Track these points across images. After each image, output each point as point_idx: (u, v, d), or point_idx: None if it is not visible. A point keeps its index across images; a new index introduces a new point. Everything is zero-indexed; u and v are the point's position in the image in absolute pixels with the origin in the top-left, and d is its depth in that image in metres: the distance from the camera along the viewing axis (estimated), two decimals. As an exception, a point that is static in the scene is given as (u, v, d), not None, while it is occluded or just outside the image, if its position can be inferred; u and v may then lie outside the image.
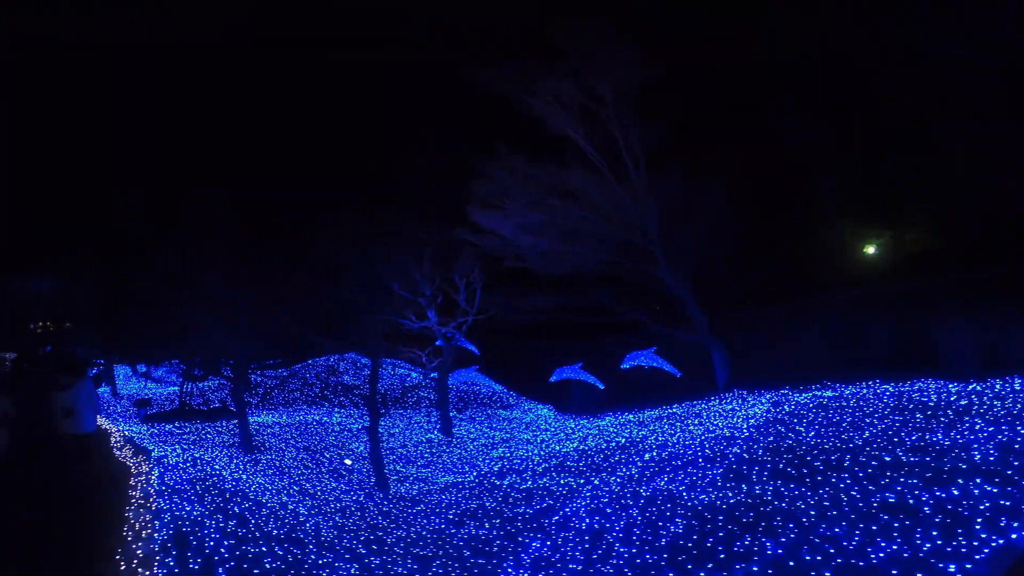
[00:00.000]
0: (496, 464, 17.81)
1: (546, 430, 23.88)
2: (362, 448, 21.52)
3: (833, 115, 27.71)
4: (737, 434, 14.32)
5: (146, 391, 30.56)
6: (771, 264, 29.94)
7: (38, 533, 8.06)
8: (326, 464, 19.19)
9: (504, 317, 24.84)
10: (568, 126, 23.36)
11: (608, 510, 10.73)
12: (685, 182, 22.84)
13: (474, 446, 21.75)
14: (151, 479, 12.46)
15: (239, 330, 19.59)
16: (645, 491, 11.36)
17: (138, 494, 11.19)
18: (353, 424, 24.80)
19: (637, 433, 18.75)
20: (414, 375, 31.03)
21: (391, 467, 19.06)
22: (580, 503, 11.56)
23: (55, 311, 44.58)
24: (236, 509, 11.48)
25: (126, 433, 20.25)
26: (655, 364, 26.08)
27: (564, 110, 23.27)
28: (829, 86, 26.60)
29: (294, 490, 15.40)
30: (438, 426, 24.73)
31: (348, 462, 19.45)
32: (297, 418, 25.63)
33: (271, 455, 19.54)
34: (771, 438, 13.33)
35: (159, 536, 8.57)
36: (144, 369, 31.70)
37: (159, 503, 10.60)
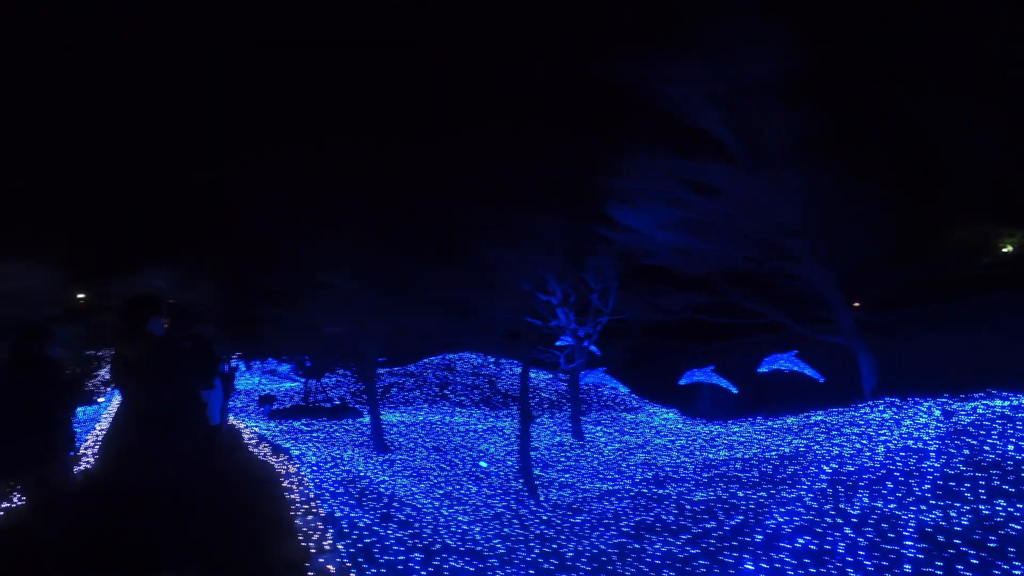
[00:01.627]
0: (647, 471, 16.67)
1: (681, 435, 22.59)
2: (493, 450, 20.67)
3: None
4: (920, 446, 12.90)
5: (262, 387, 30.48)
6: (915, 263, 28.02)
7: (213, 543, 7.22)
8: (460, 466, 18.37)
9: (634, 317, 23.59)
10: (706, 117, 22.01)
11: (817, 529, 9.50)
12: (835, 175, 21.18)
13: (609, 451, 20.65)
14: (303, 480, 11.76)
15: (370, 328, 18.94)
16: (851, 509, 10.10)
17: (297, 497, 10.45)
18: (479, 424, 24.01)
19: (792, 442, 17.39)
20: (533, 374, 30.16)
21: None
22: (777, 520, 10.33)
23: (181, 307, 45.51)
24: (401, 516, 10.66)
25: (255, 429, 19.87)
26: (795, 368, 24.53)
27: (702, 100, 21.94)
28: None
29: (439, 494, 14.59)
30: (566, 429, 23.68)
31: (483, 464, 18.59)
32: (419, 417, 25.00)
33: (403, 455, 18.86)
34: (966, 451, 11.89)
35: (343, 548, 7.71)
36: (272, 365, 31.67)
37: (323, 508, 9.83)
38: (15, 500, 11.66)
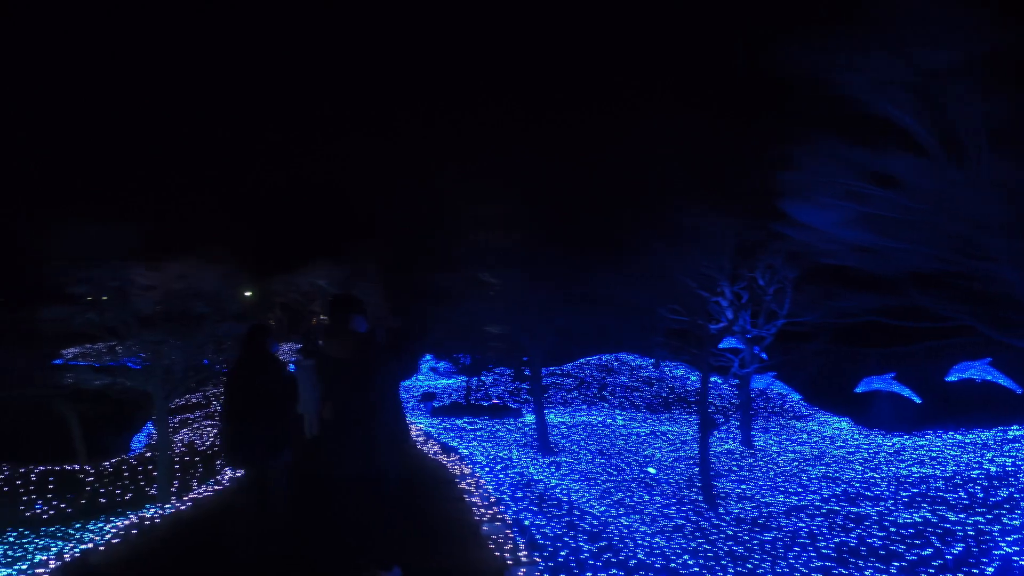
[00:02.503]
0: (832, 486, 15.51)
1: (859, 447, 21.12)
2: (659, 455, 19.92)
3: None
4: None
5: (422, 384, 30.78)
6: None
7: (407, 545, 6.90)
8: (627, 471, 17.73)
9: (814, 320, 22.11)
10: (892, 105, 20.37)
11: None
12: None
13: (784, 461, 19.47)
14: (480, 482, 11.42)
15: (536, 327, 18.56)
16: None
17: (478, 501, 10.10)
18: (640, 428, 23.27)
19: (993, 458, 15.84)
20: (693, 378, 29.08)
21: (695, 479, 17.30)
22: (1006, 551, 9.19)
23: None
24: (584, 525, 10.15)
25: (420, 427, 19.89)
26: (989, 377, 22.51)
27: (887, 87, 20.33)
28: None
29: (612, 501, 14.01)
30: (733, 436, 22.59)
31: (651, 471, 17.88)
32: (579, 418, 24.48)
33: (568, 458, 18.40)
34: None
35: (541, 561, 7.25)
36: (432, 363, 32.00)
37: (507, 514, 9.42)
38: (224, 482, 11.95)
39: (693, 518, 13.17)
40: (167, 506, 10.69)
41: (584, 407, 26.97)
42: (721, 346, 24.06)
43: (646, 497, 15.05)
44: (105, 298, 13.30)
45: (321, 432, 6.36)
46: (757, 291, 22.21)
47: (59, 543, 14.43)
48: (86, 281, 13.01)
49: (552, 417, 24.05)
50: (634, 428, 23.29)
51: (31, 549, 14.16)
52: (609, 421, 24.23)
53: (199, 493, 11.22)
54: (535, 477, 13.93)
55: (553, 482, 14.25)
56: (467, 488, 10.93)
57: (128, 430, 24.63)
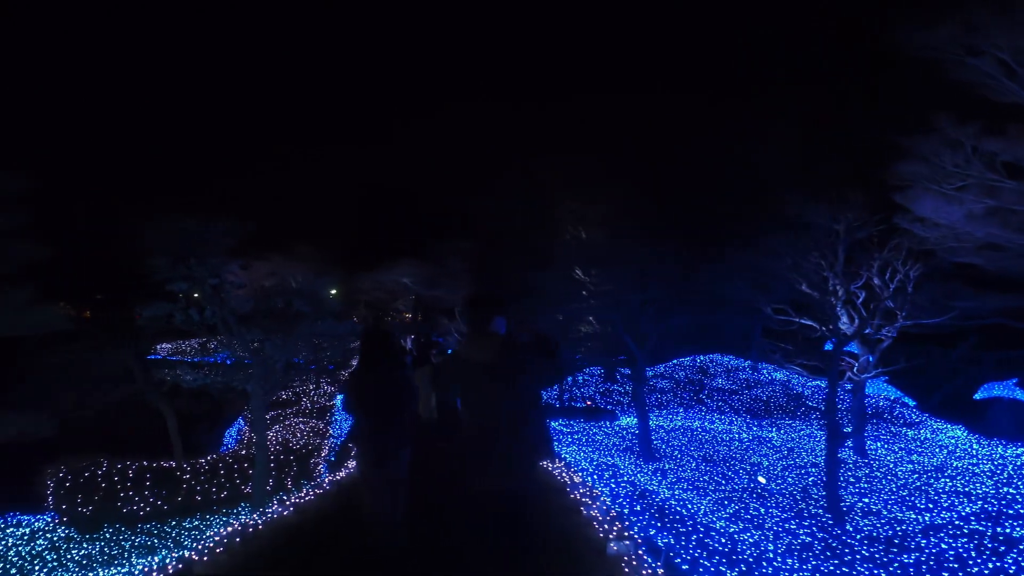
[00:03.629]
0: (967, 503, 14.24)
1: (981, 458, 19.67)
2: (766, 463, 18.82)
3: None
4: None
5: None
6: None
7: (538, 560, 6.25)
8: (735, 480, 16.74)
9: (940, 322, 20.57)
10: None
11: None
12: None
13: (903, 472, 18.17)
14: (595, 492, 10.66)
15: (643, 326, 17.71)
16: None
17: (596, 514, 9.33)
18: (742, 433, 22.17)
19: None
20: (793, 380, 27.78)
21: (809, 490, 16.21)
22: None
23: (421, 300, 46.69)
24: (710, 542, 9.30)
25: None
26: None
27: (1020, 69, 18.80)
28: None
29: (727, 512, 13.08)
30: (846, 444, 21.28)
31: (762, 480, 16.84)
32: (676, 422, 23.52)
33: (672, 464, 17.50)
34: None
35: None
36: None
37: (630, 529, 8.63)
38: (324, 484, 11.51)
39: (819, 535, 12.15)
40: (269, 511, 10.21)
41: (680, 410, 25.97)
42: (827, 348, 22.78)
43: (762, 510, 14.06)
44: (204, 295, 12.95)
45: (460, 442, 5.73)
46: (874, 291, 20.82)
47: (155, 541, 14.24)
48: (186, 278, 12.69)
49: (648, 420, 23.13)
50: (735, 433, 22.21)
51: (127, 547, 13.98)
52: (709, 426, 23.19)
53: (300, 497, 10.73)
54: (646, 486, 13.12)
55: (665, 492, 13.40)
56: (582, 499, 10.18)
57: (219, 426, 24.68)
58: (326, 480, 12.39)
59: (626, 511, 9.70)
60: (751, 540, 10.63)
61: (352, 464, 14.49)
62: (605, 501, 10.11)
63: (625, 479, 13.18)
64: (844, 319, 20.80)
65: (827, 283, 20.66)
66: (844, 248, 19.87)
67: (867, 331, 20.63)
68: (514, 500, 5.90)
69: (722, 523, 11.63)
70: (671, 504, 11.61)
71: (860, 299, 20.71)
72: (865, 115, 21.16)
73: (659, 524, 9.32)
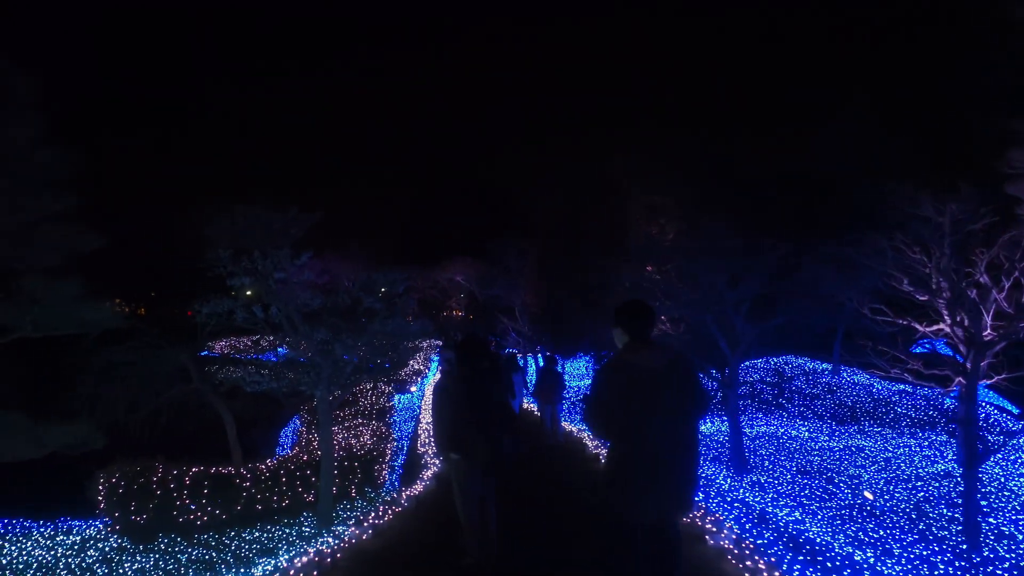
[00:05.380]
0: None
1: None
2: (865, 476, 17.29)
3: None
4: None
5: (573, 386, 28.86)
6: None
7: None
8: (839, 495, 15.28)
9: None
10: None
11: None
12: None
13: (1020, 488, 16.50)
14: (716, 516, 9.32)
15: (736, 325, 16.30)
16: None
17: (727, 544, 8.02)
18: (831, 442, 20.62)
19: None
20: (878, 385, 26.09)
21: (923, 507, 14.71)
22: None
23: (477, 299, 45.82)
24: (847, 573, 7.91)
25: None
26: None
27: None
28: None
29: (850, 537, 11.68)
30: (943, 454, 19.67)
31: (868, 495, 15.35)
32: (758, 428, 22.05)
33: (767, 476, 16.09)
34: None
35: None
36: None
37: (754, 557, 7.32)
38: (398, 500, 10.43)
39: (959, 563, 10.67)
40: (344, 532, 9.08)
41: (760, 415, 24.44)
42: (915, 350, 21.13)
43: (881, 532, 12.62)
44: (268, 291, 11.90)
45: (611, 466, 5.16)
46: (984, 289, 19.08)
47: (213, 554, 13.27)
48: (249, 273, 11.65)
49: (727, 427, 21.69)
50: (823, 441, 20.66)
51: (183, 560, 13.02)
52: (794, 433, 21.66)
53: (377, 517, 9.58)
54: (751, 501, 11.76)
55: (770, 509, 12.01)
56: (698, 521, 8.86)
57: (275, 428, 23.83)
58: (402, 495, 11.24)
59: (749, 537, 8.36)
60: (888, 573, 9.21)
61: (428, 475, 13.43)
62: (717, 519, 8.81)
63: (727, 495, 11.81)
64: (951, 319, 19.14)
65: (930, 280, 19.05)
66: (950, 243, 18.23)
67: (985, 333, 18.90)
68: (668, 533, 5.32)
69: (848, 549, 10.22)
70: (791, 526, 10.23)
71: (967, 298, 19.03)
72: (973, 97, 19.47)
73: (781, 549, 7.95)
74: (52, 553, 13.60)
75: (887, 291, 19.08)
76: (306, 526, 14.16)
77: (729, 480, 14.33)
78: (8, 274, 8.33)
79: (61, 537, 14.60)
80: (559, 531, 8.78)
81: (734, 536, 8.11)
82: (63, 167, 8.12)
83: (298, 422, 22.44)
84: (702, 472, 14.69)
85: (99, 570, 12.73)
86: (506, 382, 7.40)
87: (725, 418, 19.42)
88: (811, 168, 20.24)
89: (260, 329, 12.71)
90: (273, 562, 8.62)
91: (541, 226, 31.54)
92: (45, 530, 15.08)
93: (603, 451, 16.08)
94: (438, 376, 34.72)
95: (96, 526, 15.03)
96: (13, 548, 13.88)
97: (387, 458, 17.25)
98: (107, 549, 13.82)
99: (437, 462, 13.94)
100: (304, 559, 7.58)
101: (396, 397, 27.24)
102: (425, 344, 39.48)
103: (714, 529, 8.40)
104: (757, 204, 18.48)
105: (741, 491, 13.00)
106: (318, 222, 12.83)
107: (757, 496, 13.17)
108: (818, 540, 9.28)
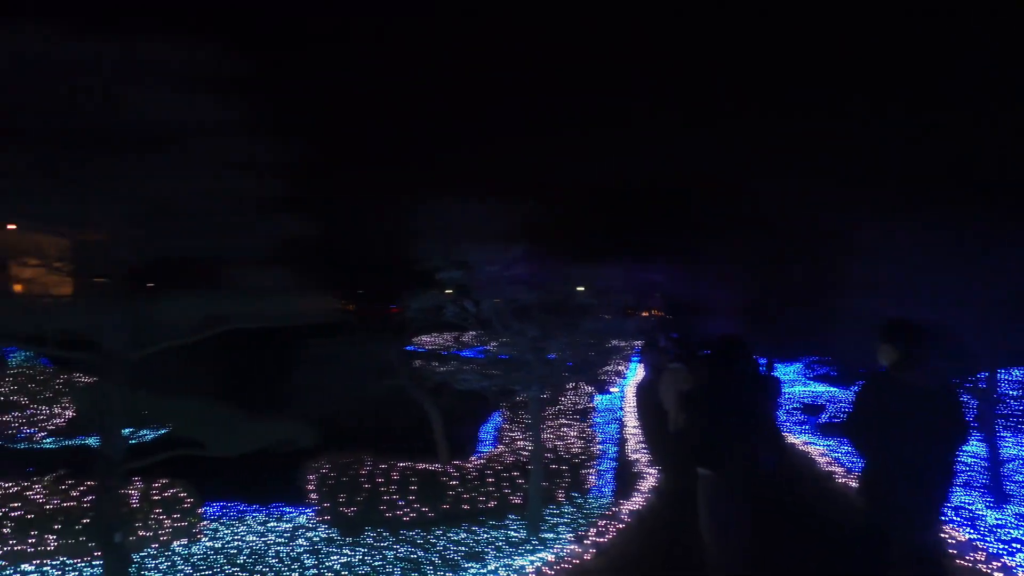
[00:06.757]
0: None
1: None
2: None
3: None
4: None
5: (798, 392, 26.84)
6: None
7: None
8: None
9: None
10: None
11: None
12: None
13: None
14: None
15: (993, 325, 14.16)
16: None
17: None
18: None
19: None
20: None
21: None
22: None
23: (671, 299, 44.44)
24: None
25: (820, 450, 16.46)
26: None
27: None
28: None
29: None
30: None
31: None
32: (1008, 450, 19.32)
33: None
34: None
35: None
36: (823, 370, 28.14)
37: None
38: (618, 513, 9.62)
39: None
40: (561, 550, 8.30)
41: (1007, 434, 21.48)
42: None
43: None
44: (480, 285, 11.40)
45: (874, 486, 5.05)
46: None
47: (419, 553, 12.97)
48: (460, 266, 11.20)
49: (978, 447, 19.18)
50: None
51: (390, 557, 12.80)
52: (1056, 457, 18.77)
53: (598, 534, 8.74)
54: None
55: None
56: (983, 567, 7.34)
57: (477, 424, 23.63)
58: (621, 508, 10.35)
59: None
60: None
61: (647, 487, 12.54)
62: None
63: (999, 531, 10.05)
64: None
65: None
66: None
67: None
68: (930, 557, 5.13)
69: None
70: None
71: None
72: None
73: None
74: (263, 540, 13.85)
75: None
76: (512, 529, 13.67)
77: (992, 512, 12.38)
78: (218, 264, 8.16)
79: (272, 523, 14.92)
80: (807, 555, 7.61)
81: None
82: (272, 153, 7.84)
83: (499, 418, 22.13)
84: (955, 501, 12.88)
85: (307, 560, 12.76)
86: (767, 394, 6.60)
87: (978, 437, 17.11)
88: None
89: (469, 325, 12.31)
90: (483, 568, 8.00)
91: (760, 219, 29.62)
92: (259, 515, 15.47)
93: (837, 467, 14.58)
94: (640, 377, 33.64)
95: (306, 514, 15.24)
96: (227, 532, 14.30)
97: (594, 462, 16.49)
98: (316, 539, 13.93)
99: (654, 473, 13.03)
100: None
101: (597, 397, 26.48)
102: (623, 344, 38.49)
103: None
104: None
105: (1009, 527, 11.11)
106: (527, 214, 12.23)
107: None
108: None
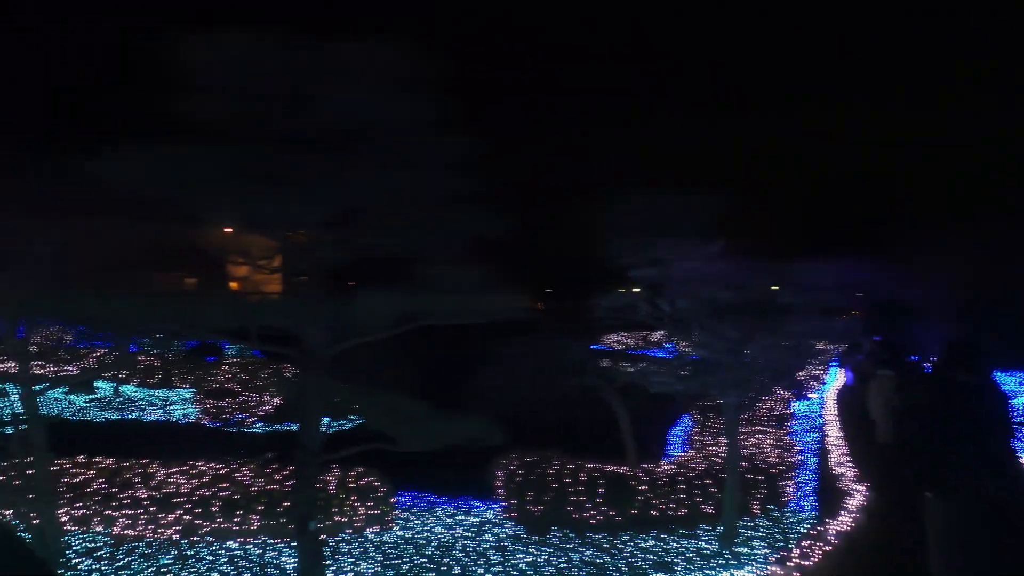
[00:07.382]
0: None
1: None
2: None
3: None
4: None
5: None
6: None
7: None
8: None
9: None
10: None
11: None
12: None
13: None
14: None
15: None
16: None
17: None
18: None
19: None
20: None
21: None
22: None
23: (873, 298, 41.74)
24: None
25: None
26: None
27: None
28: None
29: None
30: None
31: None
32: None
33: None
34: None
35: None
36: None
37: None
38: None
39: None
40: (756, 567, 7.78)
41: None
42: None
43: None
44: (675, 284, 10.94)
45: None
46: None
47: (606, 558, 12.69)
48: (655, 263, 10.80)
49: None
50: None
51: (575, 560, 12.58)
52: None
53: (803, 558, 8.12)
54: None
55: None
56: None
57: (665, 426, 22.99)
58: (828, 529, 9.62)
59: None
60: None
61: (855, 506, 11.65)
62: None
63: None
64: None
65: None
66: None
67: None
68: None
69: None
70: None
71: None
72: None
73: None
74: (451, 532, 13.99)
75: None
76: (704, 540, 13.11)
77: None
78: (413, 262, 8.22)
79: (461, 516, 15.03)
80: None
81: None
82: (464, 149, 7.82)
83: (688, 422, 21.42)
84: None
85: (493, 557, 12.76)
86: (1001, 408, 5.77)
87: None
88: None
89: (662, 325, 11.87)
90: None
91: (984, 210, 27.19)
92: (447, 508, 15.68)
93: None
94: (842, 382, 31.68)
95: (494, 509, 15.29)
96: (417, 522, 14.56)
97: (793, 473, 15.57)
98: (502, 536, 13.91)
99: (862, 489, 12.07)
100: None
101: (795, 404, 25.11)
102: (825, 347, 36.45)
103: None
104: None
105: None
106: (724, 209, 11.65)
107: None
108: None
